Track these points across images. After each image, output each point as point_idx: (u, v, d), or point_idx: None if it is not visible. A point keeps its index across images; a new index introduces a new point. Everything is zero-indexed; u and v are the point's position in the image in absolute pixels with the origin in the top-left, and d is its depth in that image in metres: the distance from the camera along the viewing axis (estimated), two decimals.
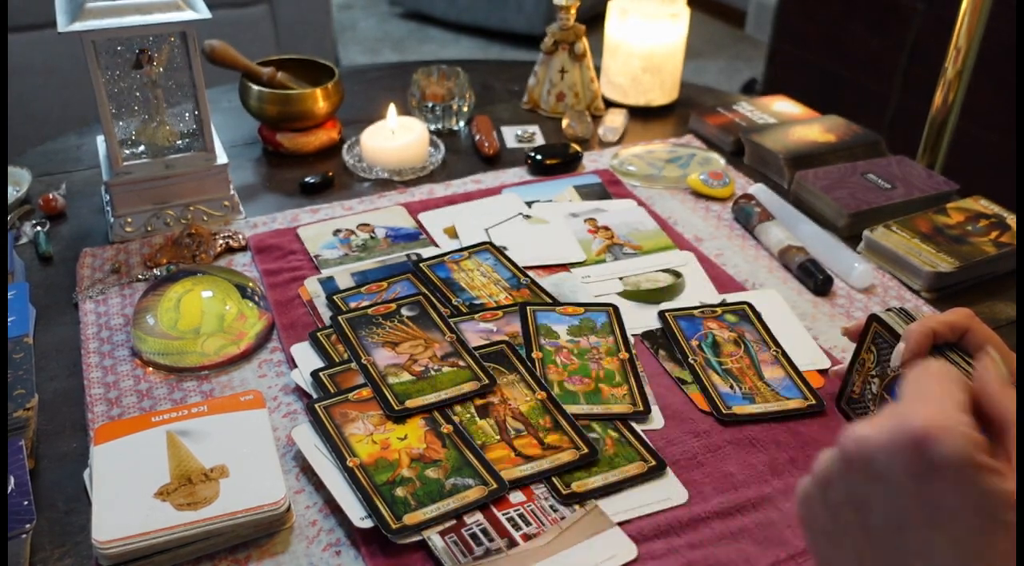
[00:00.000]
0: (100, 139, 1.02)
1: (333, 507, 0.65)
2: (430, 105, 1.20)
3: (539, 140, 1.21)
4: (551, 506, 0.64)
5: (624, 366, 0.77)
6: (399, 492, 0.63)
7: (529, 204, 1.03)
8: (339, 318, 0.80)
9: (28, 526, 0.62)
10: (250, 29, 2.35)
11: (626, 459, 0.68)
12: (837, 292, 0.91)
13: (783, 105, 1.28)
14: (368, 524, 0.61)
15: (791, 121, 1.21)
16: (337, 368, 0.75)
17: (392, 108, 1.13)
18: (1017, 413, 0.48)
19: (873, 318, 0.67)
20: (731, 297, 0.88)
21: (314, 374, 0.74)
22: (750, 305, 0.86)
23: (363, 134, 1.11)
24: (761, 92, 2.83)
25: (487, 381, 0.74)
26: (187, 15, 0.88)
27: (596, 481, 0.66)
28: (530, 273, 0.90)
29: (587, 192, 1.06)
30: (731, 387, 0.76)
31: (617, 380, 0.76)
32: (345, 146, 1.14)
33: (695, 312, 0.85)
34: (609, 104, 1.32)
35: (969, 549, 0.34)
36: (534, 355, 0.78)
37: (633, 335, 0.82)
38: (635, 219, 1.01)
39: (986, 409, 0.38)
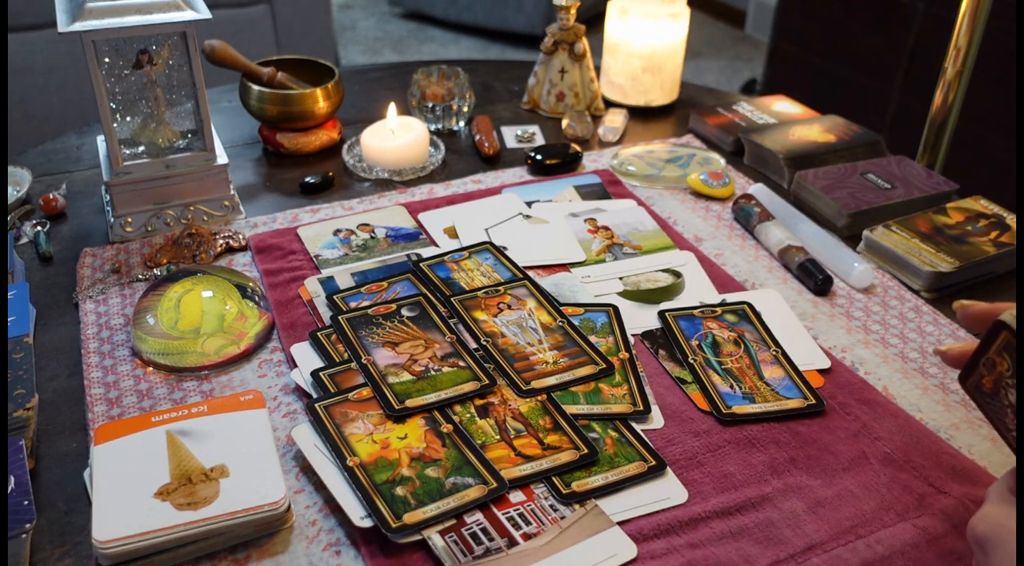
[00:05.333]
0: (100, 139, 1.03)
1: (333, 507, 0.65)
2: (430, 105, 1.20)
3: (539, 140, 1.21)
4: (551, 505, 0.64)
5: (624, 366, 0.77)
6: (399, 491, 0.63)
7: (529, 204, 1.03)
8: (339, 318, 0.80)
9: (28, 526, 0.62)
10: (250, 29, 2.35)
11: (626, 459, 0.68)
12: (837, 292, 0.91)
13: (783, 105, 1.28)
14: (368, 523, 0.61)
15: (791, 121, 1.21)
16: (337, 368, 0.75)
17: (392, 108, 1.13)
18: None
19: (1002, 326, 0.59)
20: (731, 297, 0.88)
21: (314, 374, 0.74)
22: (750, 305, 0.86)
23: (363, 134, 1.11)
24: (761, 92, 2.83)
25: (487, 381, 0.74)
26: (187, 15, 0.88)
27: (596, 481, 0.66)
28: (530, 273, 0.90)
29: (587, 192, 1.07)
30: (731, 387, 0.76)
31: (617, 380, 0.76)
32: (345, 146, 1.14)
33: (695, 312, 0.85)
34: (609, 104, 1.32)
35: None
36: None
37: (633, 335, 0.82)
38: (635, 219, 1.01)
39: None
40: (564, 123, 1.22)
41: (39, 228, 0.97)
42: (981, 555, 0.52)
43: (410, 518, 0.61)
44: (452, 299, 0.84)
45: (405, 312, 0.82)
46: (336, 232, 0.96)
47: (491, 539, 0.61)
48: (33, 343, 0.79)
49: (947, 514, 0.65)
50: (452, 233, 0.98)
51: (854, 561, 0.61)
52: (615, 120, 1.24)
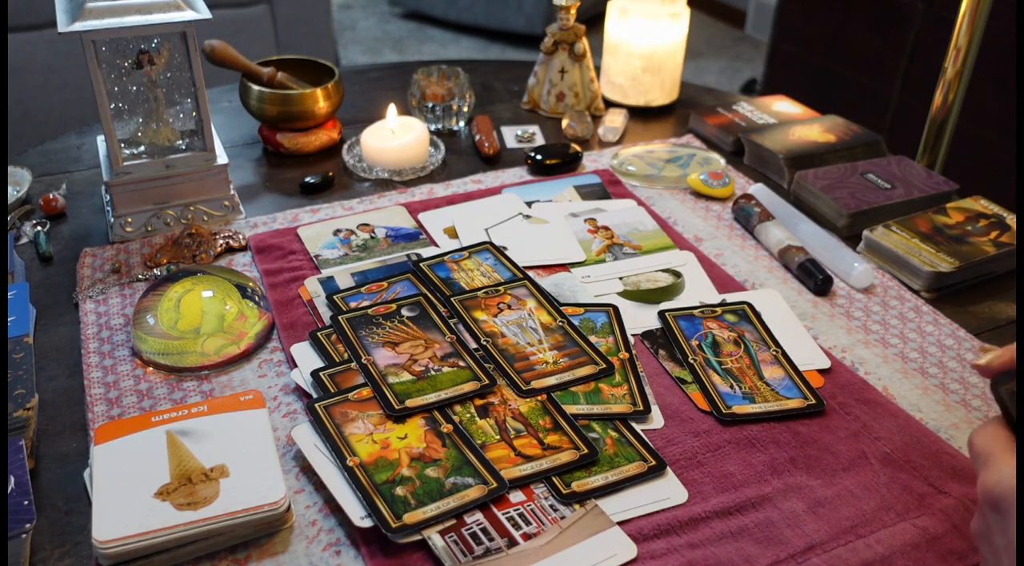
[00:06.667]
0: (100, 139, 1.02)
1: (333, 507, 0.65)
2: (430, 105, 1.20)
3: (539, 140, 1.21)
4: (551, 505, 0.64)
5: (624, 366, 0.77)
6: (399, 491, 0.63)
7: (529, 204, 1.03)
8: (339, 318, 0.80)
9: (28, 526, 0.62)
10: (250, 29, 2.35)
11: (626, 459, 0.68)
12: (837, 292, 0.91)
13: (783, 105, 1.28)
14: (368, 523, 0.61)
15: (791, 121, 1.21)
16: (337, 368, 0.75)
17: (392, 108, 1.13)
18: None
19: None
20: (731, 297, 0.88)
21: (314, 374, 0.74)
22: (750, 305, 0.86)
23: (363, 134, 1.11)
24: (761, 92, 2.83)
25: (487, 381, 0.74)
26: (187, 15, 0.88)
27: (596, 481, 0.66)
28: (530, 273, 0.90)
29: (587, 192, 1.06)
30: (731, 387, 0.76)
31: (617, 380, 0.76)
32: (345, 146, 1.14)
33: (695, 312, 0.85)
34: (609, 104, 1.32)
35: None
36: None
37: (633, 335, 0.82)
38: (635, 219, 1.01)
39: None
40: (564, 123, 1.22)
41: (39, 228, 0.97)
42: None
43: (410, 518, 0.61)
44: (452, 299, 0.84)
45: (405, 312, 0.82)
46: (336, 232, 0.96)
47: (491, 539, 0.61)
48: (33, 343, 0.79)
49: (947, 514, 0.65)
50: (452, 233, 0.98)
51: (854, 561, 0.61)
52: (615, 120, 1.24)
